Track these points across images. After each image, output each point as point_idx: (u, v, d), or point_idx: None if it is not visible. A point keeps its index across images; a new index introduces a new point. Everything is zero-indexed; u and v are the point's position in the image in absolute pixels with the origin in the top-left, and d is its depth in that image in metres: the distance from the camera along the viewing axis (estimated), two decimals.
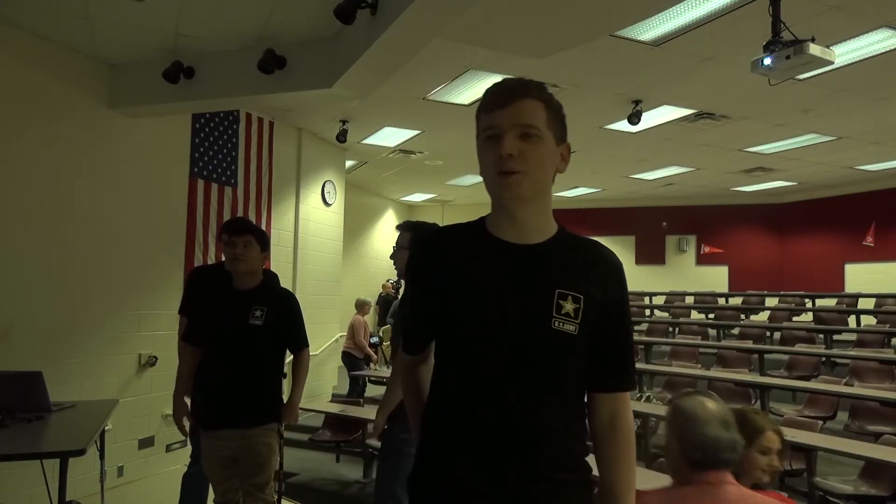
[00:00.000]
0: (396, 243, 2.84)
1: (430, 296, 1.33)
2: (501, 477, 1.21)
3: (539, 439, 1.22)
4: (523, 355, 1.22)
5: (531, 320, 1.23)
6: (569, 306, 1.23)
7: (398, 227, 2.89)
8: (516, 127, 1.24)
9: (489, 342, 1.23)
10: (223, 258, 3.01)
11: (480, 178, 1.32)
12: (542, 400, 1.23)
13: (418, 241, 1.44)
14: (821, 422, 4.92)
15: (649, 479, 3.37)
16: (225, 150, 6.39)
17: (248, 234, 2.84)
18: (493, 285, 1.25)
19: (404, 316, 1.50)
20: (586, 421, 1.33)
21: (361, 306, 8.37)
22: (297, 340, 3.03)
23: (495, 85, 1.31)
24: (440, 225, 2.82)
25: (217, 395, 2.84)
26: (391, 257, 2.86)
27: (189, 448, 3.61)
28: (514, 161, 1.22)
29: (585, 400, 1.34)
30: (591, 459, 1.34)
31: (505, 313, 1.23)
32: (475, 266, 1.28)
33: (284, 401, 3.00)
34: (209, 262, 6.02)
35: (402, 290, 2.90)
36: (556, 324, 1.22)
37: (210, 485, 3.39)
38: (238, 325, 2.82)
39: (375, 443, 4.16)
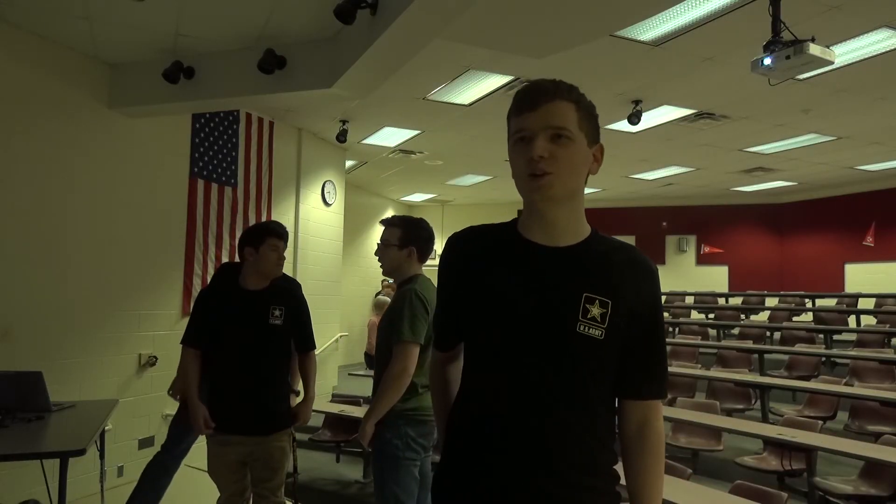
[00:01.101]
0: (382, 239, 2.71)
1: (458, 296, 1.33)
2: (525, 481, 1.20)
3: (563, 443, 1.21)
4: (548, 358, 1.22)
5: (556, 324, 1.22)
6: (595, 311, 1.22)
7: (383, 222, 2.75)
8: (547, 129, 1.22)
9: (514, 344, 1.23)
10: (224, 258, 3.00)
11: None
12: (566, 404, 1.22)
13: (449, 240, 1.44)
14: (821, 422, 4.93)
15: None
16: (225, 150, 6.39)
17: (285, 241, 2.94)
18: (520, 287, 1.24)
19: (435, 315, 1.49)
20: (615, 427, 1.32)
21: (380, 307, 8.20)
22: (308, 340, 3.02)
23: (525, 87, 1.29)
24: (428, 222, 2.78)
25: (231, 398, 2.79)
26: (376, 254, 2.74)
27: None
28: (545, 163, 1.21)
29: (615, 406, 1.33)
30: (618, 467, 1.32)
31: (530, 316, 1.22)
32: (503, 268, 1.28)
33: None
34: (209, 263, 6.03)
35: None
36: (582, 328, 1.21)
37: (171, 477, 3.41)
38: (257, 325, 2.79)
39: None
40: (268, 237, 2.84)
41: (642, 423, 1.30)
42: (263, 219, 6.88)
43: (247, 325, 2.79)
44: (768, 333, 9.59)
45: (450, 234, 1.43)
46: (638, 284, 1.27)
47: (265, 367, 2.81)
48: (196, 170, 6.03)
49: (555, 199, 1.24)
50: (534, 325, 1.22)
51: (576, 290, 1.23)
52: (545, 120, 1.22)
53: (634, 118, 6.50)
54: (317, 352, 6.11)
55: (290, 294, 2.95)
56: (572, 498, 1.22)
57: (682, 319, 11.02)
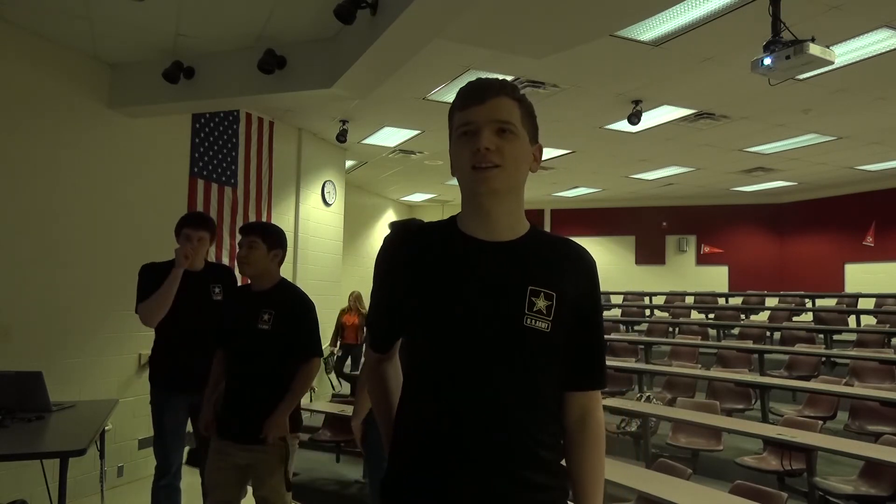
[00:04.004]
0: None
1: (398, 294, 1.32)
2: (474, 479, 1.19)
3: (513, 440, 1.21)
4: (495, 353, 1.21)
5: (503, 318, 1.21)
6: (541, 303, 1.22)
7: (389, 226, 2.75)
8: (493, 123, 1.24)
9: (460, 341, 1.22)
10: (224, 259, 2.98)
11: None
12: (515, 399, 1.22)
13: (387, 238, 1.44)
14: (821, 422, 4.93)
15: (649, 479, 3.37)
16: (225, 150, 6.39)
17: (253, 235, 2.75)
18: (464, 283, 1.24)
19: (373, 316, 1.47)
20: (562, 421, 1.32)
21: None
22: (306, 348, 2.78)
23: (469, 84, 1.31)
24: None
25: (226, 403, 2.73)
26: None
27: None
28: (492, 155, 1.22)
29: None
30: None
31: (476, 311, 1.22)
32: (445, 264, 1.27)
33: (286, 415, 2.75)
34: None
35: None
36: (528, 321, 1.21)
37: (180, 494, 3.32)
38: (246, 328, 2.69)
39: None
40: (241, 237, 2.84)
41: (584, 413, 1.31)
42: (263, 219, 6.89)
43: (239, 328, 2.72)
44: (768, 333, 9.59)
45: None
46: (578, 277, 1.29)
47: (257, 374, 2.69)
48: (196, 170, 6.03)
49: (499, 191, 1.25)
50: (480, 321, 1.21)
51: (520, 283, 1.23)
52: (491, 113, 1.24)
53: (634, 118, 6.50)
54: None
55: (287, 298, 2.78)
56: (526, 498, 1.21)
57: (682, 319, 11.02)
